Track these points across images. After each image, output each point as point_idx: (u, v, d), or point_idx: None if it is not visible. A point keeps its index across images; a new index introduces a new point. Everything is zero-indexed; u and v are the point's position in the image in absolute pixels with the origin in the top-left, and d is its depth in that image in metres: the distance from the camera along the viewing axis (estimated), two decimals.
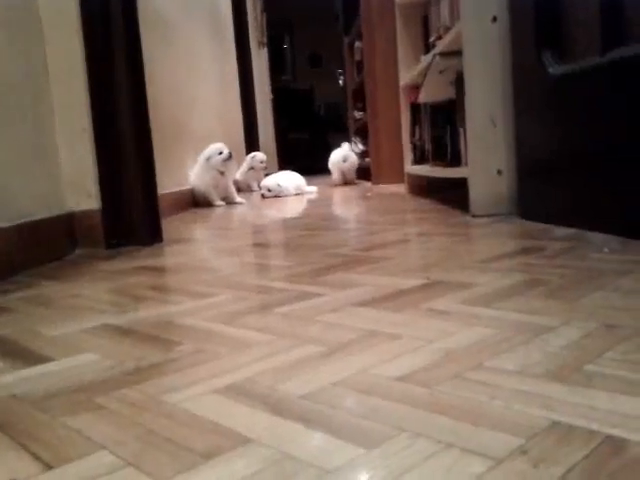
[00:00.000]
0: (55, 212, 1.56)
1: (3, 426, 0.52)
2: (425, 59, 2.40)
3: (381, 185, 3.87)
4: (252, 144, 5.05)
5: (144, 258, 1.47)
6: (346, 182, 4.34)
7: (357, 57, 4.85)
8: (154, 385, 0.58)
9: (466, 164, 1.92)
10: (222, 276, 1.17)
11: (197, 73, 3.58)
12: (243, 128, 5.00)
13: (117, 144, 1.63)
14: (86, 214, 1.64)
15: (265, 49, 6.30)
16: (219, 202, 3.10)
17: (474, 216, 1.73)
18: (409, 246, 1.40)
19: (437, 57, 2.07)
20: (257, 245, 1.65)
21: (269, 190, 3.46)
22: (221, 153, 3.05)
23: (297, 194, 3.54)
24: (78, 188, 1.64)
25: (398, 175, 3.57)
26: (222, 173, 3.06)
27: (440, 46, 2.09)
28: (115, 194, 1.65)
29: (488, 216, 1.70)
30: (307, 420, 0.47)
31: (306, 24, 8.51)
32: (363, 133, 4.48)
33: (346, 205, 2.96)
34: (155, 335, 0.76)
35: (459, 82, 1.98)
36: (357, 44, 4.73)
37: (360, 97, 4.68)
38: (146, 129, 1.68)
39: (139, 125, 1.65)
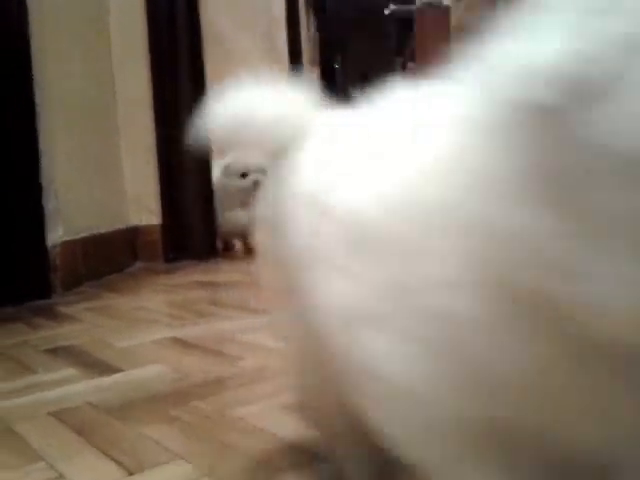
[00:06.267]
0: (118, 226, 1.62)
1: (83, 431, 0.55)
2: None
3: None
4: None
5: (202, 273, 1.51)
6: None
7: None
8: (222, 398, 0.61)
9: None
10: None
11: None
12: None
13: (178, 164, 1.69)
14: (147, 229, 1.70)
15: (316, 68, 6.40)
16: None
17: None
18: None
19: None
20: None
21: None
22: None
23: None
24: (140, 204, 1.71)
25: None
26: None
27: None
28: (175, 211, 1.70)
29: None
30: None
31: (357, 44, 8.60)
32: None
33: None
34: (218, 350, 0.79)
35: None
36: (410, 65, 4.76)
37: None
38: (207, 151, 1.73)
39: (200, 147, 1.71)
